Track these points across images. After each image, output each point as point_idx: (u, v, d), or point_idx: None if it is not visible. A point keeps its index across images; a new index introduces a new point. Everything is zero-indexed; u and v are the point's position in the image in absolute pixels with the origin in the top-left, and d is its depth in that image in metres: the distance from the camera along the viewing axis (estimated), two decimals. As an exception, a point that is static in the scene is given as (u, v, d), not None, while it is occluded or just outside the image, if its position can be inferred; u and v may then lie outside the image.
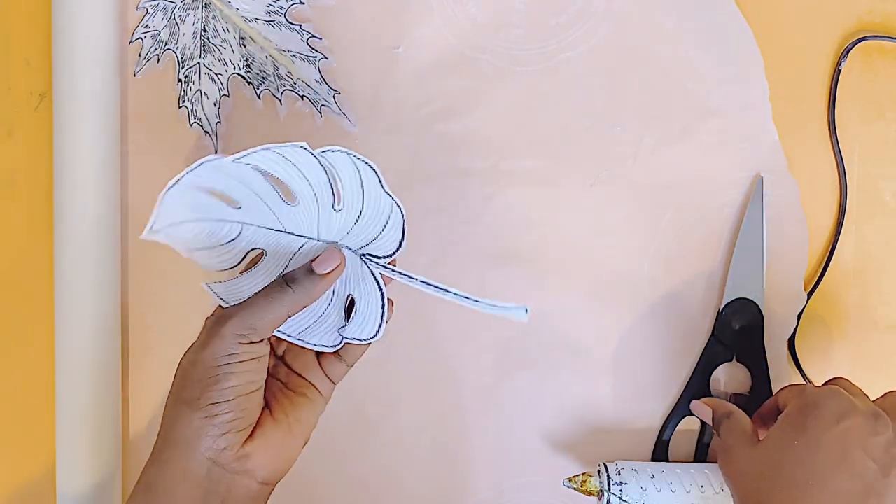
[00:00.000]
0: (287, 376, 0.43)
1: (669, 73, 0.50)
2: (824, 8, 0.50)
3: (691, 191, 0.50)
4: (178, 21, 0.50)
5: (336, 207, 0.41)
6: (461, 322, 0.51)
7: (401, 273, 0.42)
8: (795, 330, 0.50)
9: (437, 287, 0.41)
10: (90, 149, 0.48)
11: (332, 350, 0.43)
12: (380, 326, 0.42)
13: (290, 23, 0.50)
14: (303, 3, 0.50)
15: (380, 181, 0.40)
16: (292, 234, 0.42)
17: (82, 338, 0.49)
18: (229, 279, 0.42)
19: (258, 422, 0.40)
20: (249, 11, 0.50)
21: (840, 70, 0.49)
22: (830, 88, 0.50)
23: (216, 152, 0.51)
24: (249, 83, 0.51)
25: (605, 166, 0.50)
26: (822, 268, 0.50)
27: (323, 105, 0.50)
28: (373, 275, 0.42)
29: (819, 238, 0.50)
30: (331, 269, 0.40)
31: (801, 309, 0.50)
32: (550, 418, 0.51)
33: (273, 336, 0.42)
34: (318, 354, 0.44)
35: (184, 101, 0.51)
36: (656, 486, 0.47)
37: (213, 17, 0.50)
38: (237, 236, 0.41)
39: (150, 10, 0.50)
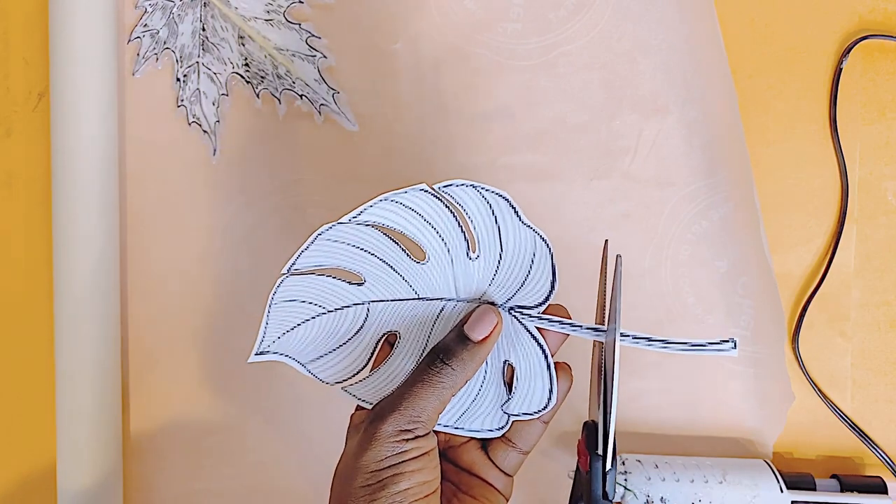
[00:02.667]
0: (456, 476, 0.37)
1: (668, 65, 0.50)
2: (825, 7, 0.50)
3: (691, 184, 0.50)
4: (177, 20, 0.50)
5: (471, 255, 0.35)
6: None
7: (561, 322, 0.35)
8: (798, 330, 0.50)
9: (624, 336, 0.34)
10: (88, 148, 0.48)
11: (499, 433, 0.37)
12: (550, 392, 0.35)
13: (289, 22, 0.50)
14: (302, 2, 0.50)
15: (515, 211, 0.34)
16: (428, 300, 0.36)
17: (82, 335, 0.49)
18: (365, 377, 0.36)
19: None
20: (248, 10, 0.50)
21: (841, 69, 0.49)
22: (831, 87, 0.50)
23: (214, 152, 0.51)
24: (248, 82, 0.51)
25: (604, 160, 0.50)
26: (823, 268, 0.50)
27: (322, 104, 0.50)
28: (528, 331, 0.36)
29: (820, 238, 0.50)
30: (488, 331, 0.34)
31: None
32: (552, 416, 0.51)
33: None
34: (485, 445, 0.38)
35: (182, 101, 0.51)
36: (660, 476, 0.47)
37: (212, 16, 0.50)
38: (364, 322, 0.36)
39: (149, 9, 0.50)
